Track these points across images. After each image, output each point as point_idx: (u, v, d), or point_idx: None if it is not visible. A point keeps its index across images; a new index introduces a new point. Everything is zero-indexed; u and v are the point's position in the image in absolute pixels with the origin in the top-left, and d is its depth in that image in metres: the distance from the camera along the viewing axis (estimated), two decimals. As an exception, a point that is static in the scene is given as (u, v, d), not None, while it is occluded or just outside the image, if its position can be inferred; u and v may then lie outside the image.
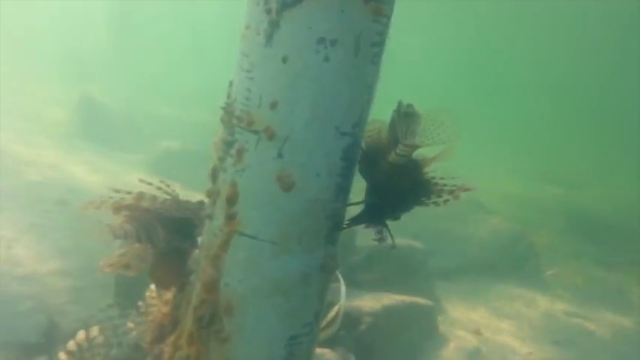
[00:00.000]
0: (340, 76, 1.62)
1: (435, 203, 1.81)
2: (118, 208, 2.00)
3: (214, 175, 1.85)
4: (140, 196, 2.06)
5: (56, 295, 4.63)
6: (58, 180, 7.79)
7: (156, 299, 2.38)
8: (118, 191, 2.09)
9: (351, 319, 3.75)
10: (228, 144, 1.77)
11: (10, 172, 7.45)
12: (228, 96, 1.81)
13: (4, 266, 4.80)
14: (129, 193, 2.10)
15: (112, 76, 17.07)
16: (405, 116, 1.78)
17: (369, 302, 3.91)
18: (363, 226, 1.89)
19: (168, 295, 2.26)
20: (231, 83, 1.84)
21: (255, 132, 1.69)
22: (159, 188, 2.18)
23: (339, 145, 1.70)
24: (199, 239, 2.04)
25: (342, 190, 1.79)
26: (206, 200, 1.92)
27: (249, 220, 1.73)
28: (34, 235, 5.66)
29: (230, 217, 1.76)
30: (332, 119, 1.66)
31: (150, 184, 2.18)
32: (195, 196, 7.36)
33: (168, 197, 2.18)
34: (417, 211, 1.85)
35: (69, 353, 2.28)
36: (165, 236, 2.02)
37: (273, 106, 1.65)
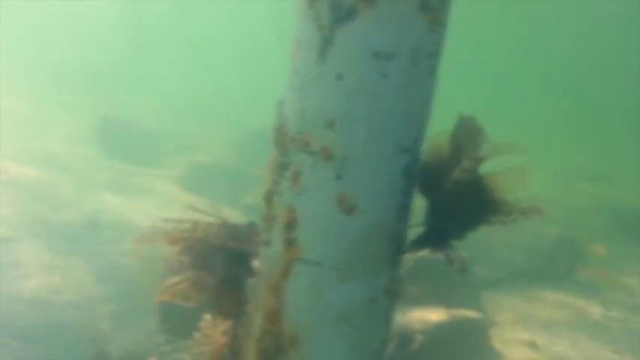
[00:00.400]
0: (398, 91, 1.54)
1: (502, 222, 1.71)
2: (174, 241, 1.95)
3: (269, 199, 1.78)
4: (194, 226, 2.00)
5: (98, 321, 4.62)
6: (86, 202, 7.83)
7: (212, 329, 2.32)
8: (168, 220, 2.04)
9: (402, 337, 3.64)
10: (282, 166, 1.70)
11: (36, 196, 7.50)
12: (280, 116, 1.74)
13: (44, 294, 4.81)
14: (180, 222, 2.05)
15: (128, 91, 17.21)
16: (468, 130, 1.69)
17: (420, 318, 3.79)
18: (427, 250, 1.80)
19: (226, 324, 2.19)
20: (281, 103, 1.77)
21: (312, 153, 1.62)
22: (208, 213, 2.13)
23: (399, 162, 1.62)
24: (255, 264, 1.98)
25: (404, 210, 1.70)
26: (261, 225, 1.85)
27: (310, 245, 1.66)
28: (69, 261, 5.68)
29: (289, 243, 1.69)
30: (391, 136, 1.58)
31: (196, 209, 2.13)
32: (226, 211, 7.40)
33: (218, 221, 2.12)
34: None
35: None
36: (223, 265, 1.96)
37: (330, 125, 1.57)
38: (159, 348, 3.54)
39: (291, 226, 1.68)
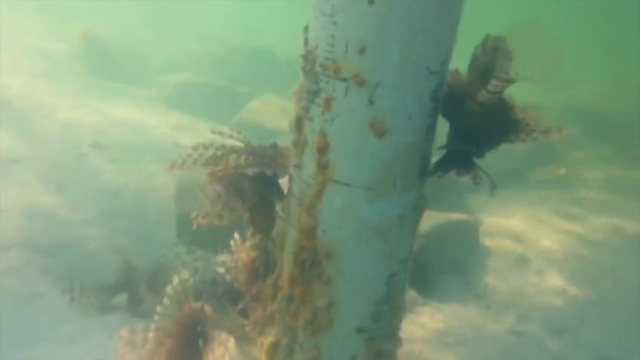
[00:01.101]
0: (429, 14, 1.55)
1: (523, 141, 1.78)
2: (212, 174, 2.02)
3: (299, 125, 1.84)
4: (224, 153, 2.07)
5: (116, 235, 4.81)
6: (82, 122, 7.77)
7: (241, 245, 2.47)
8: (195, 148, 2.10)
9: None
10: (312, 93, 1.74)
11: (31, 117, 7.43)
12: (306, 42, 1.75)
13: (60, 211, 4.95)
14: (206, 148, 2.11)
15: (108, 11, 16.41)
16: (493, 51, 1.71)
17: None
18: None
19: (255, 240, 2.34)
20: (306, 28, 1.77)
21: (344, 80, 1.65)
22: (230, 136, 2.18)
23: (429, 85, 1.66)
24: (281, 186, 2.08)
25: (431, 130, 1.77)
26: (292, 149, 1.92)
27: (343, 167, 1.74)
28: (81, 180, 5.78)
29: (322, 166, 1.77)
30: (423, 59, 1.61)
31: (221, 133, 2.18)
32: (220, 129, 7.45)
33: (243, 145, 2.18)
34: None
35: (170, 297, 2.41)
36: (252, 189, 2.05)
37: (362, 51, 1.60)
38: (181, 257, 3.74)
39: (323, 150, 1.75)
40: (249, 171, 1.93)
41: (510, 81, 1.68)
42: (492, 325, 3.82)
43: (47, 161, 6.02)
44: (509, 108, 1.76)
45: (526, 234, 5.75)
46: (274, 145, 2.18)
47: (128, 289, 3.47)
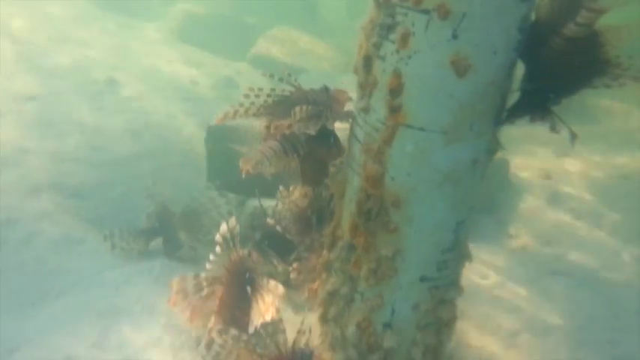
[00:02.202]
0: None
1: (607, 86, 1.60)
2: (273, 128, 1.89)
3: (367, 65, 1.69)
4: (277, 101, 1.93)
5: (141, 177, 4.74)
6: (94, 57, 7.51)
7: (288, 197, 2.38)
8: (247, 96, 1.95)
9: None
10: (386, 28, 1.58)
11: (40, 53, 7.18)
12: (381, -30, 1.56)
13: (84, 152, 4.85)
14: (257, 95, 1.97)
15: None
16: None
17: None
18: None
19: (306, 189, 2.24)
20: (380, -46, 1.58)
21: (425, 12, 1.48)
22: (281, 79, 2.03)
23: (517, 14, 1.49)
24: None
25: (513, 67, 1.62)
26: (357, 91, 1.78)
27: (417, 111, 1.61)
28: (99, 119, 5.64)
29: (394, 110, 1.64)
30: (515, -14, 1.43)
31: (272, 76, 2.03)
32: (233, 65, 7.17)
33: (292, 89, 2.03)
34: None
35: (220, 244, 2.35)
36: (308, 142, 1.92)
37: (449, -22, 1.41)
38: (213, 201, 3.67)
39: (396, 91, 1.61)
40: (311, 126, 1.78)
41: (603, 11, 1.48)
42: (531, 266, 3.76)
43: (65, 99, 5.86)
44: (599, 44, 1.57)
45: (554, 171, 5.61)
46: (326, 89, 2.02)
47: (164, 233, 3.42)
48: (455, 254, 1.86)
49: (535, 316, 3.07)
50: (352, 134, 1.86)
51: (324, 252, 2.06)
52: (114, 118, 5.73)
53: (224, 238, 2.38)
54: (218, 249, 2.31)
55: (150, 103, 6.43)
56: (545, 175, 5.41)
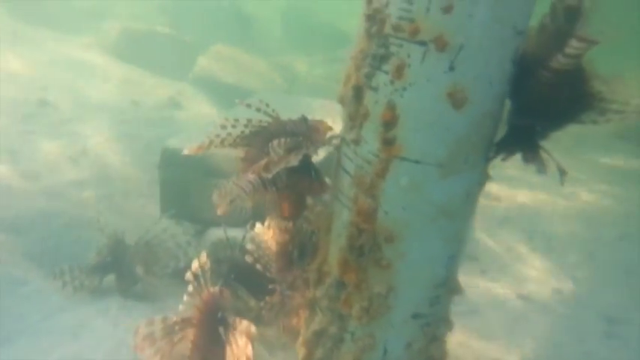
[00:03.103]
0: (531, -34, 1.35)
1: (594, 122, 1.59)
2: (245, 159, 1.78)
3: (358, 95, 1.62)
4: (254, 132, 1.82)
5: (84, 207, 4.42)
6: (22, 75, 7.01)
7: (267, 232, 2.26)
8: (224, 126, 1.83)
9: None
10: (379, 59, 1.52)
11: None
12: (373, 0, 1.51)
13: (19, 182, 4.46)
14: (234, 126, 1.85)
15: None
16: (568, 11, 1.50)
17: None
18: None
19: (286, 224, 2.13)
20: (372, -17, 1.52)
21: (422, 43, 1.44)
22: (258, 110, 1.92)
23: (513, 45, 1.48)
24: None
25: (505, 98, 1.60)
26: (346, 123, 1.70)
27: (412, 143, 1.55)
28: (32, 144, 5.24)
29: (388, 142, 1.57)
30: (511, 17, 1.42)
31: (248, 105, 1.92)
32: (174, 85, 6.95)
33: (269, 119, 1.93)
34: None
35: (192, 283, 2.19)
36: (287, 176, 1.82)
37: (447, 9, 1.38)
38: (169, 232, 3.46)
39: (390, 123, 1.55)
40: (293, 158, 1.68)
41: (593, 42, 1.46)
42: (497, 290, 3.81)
43: (-6, 126, 5.42)
44: (586, 78, 1.57)
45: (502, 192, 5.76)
46: (304, 119, 1.93)
47: (117, 268, 3.18)
48: (446, 289, 1.81)
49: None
50: (339, 166, 1.78)
51: (310, 289, 1.96)
52: (48, 143, 5.36)
53: (195, 275, 2.23)
54: (190, 288, 2.15)
55: (87, 125, 6.06)
56: (494, 198, 5.52)
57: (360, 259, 1.73)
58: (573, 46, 1.49)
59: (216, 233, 3.39)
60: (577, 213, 5.04)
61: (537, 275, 3.93)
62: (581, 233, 4.64)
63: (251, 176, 1.81)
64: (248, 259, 2.27)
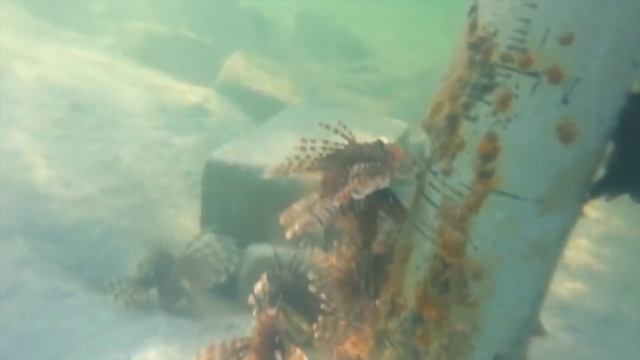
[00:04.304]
0: (657, -4, 1.27)
1: None
2: (324, 183, 1.71)
3: (452, 125, 1.54)
4: (332, 155, 1.76)
5: (118, 215, 4.38)
6: (49, 77, 7.00)
7: (328, 259, 2.18)
8: (303, 148, 1.77)
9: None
10: (481, 88, 1.45)
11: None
12: (475, 26, 1.44)
13: (55, 189, 4.43)
14: (312, 148, 1.78)
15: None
16: None
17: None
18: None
19: (352, 251, 2.06)
20: (474, 9, 1.45)
21: (534, 74, 1.36)
22: (336, 131, 1.86)
23: (628, 81, 1.40)
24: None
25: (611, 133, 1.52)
26: (434, 151, 1.63)
27: (512, 177, 1.47)
28: (66, 150, 5.22)
29: (485, 175, 1.50)
30: (632, 51, 1.34)
31: (327, 127, 1.85)
32: (199, 91, 6.85)
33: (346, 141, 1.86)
34: None
35: (254, 306, 2.12)
36: (366, 202, 1.76)
37: (567, 41, 1.30)
38: (211, 247, 3.40)
39: (490, 155, 1.47)
40: (382, 181, 1.61)
41: None
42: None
43: (26, 127, 5.40)
44: None
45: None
46: (380, 144, 1.86)
47: (161, 283, 3.12)
48: (529, 329, 1.73)
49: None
50: (422, 195, 1.70)
51: (380, 321, 1.88)
52: (83, 148, 5.34)
53: (257, 298, 2.16)
54: (255, 312, 2.09)
55: (118, 132, 6.03)
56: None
57: (444, 294, 1.65)
58: None
59: (259, 249, 3.32)
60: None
61: None
62: None
63: (328, 202, 1.74)
64: (312, 288, 2.19)
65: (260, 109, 7.69)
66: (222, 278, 3.25)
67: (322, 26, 13.04)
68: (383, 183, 1.62)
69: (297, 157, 1.78)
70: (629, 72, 1.38)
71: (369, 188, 1.61)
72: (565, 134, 1.40)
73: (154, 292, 3.08)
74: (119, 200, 4.65)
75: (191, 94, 8.17)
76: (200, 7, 11.38)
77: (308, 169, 1.80)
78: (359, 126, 4.29)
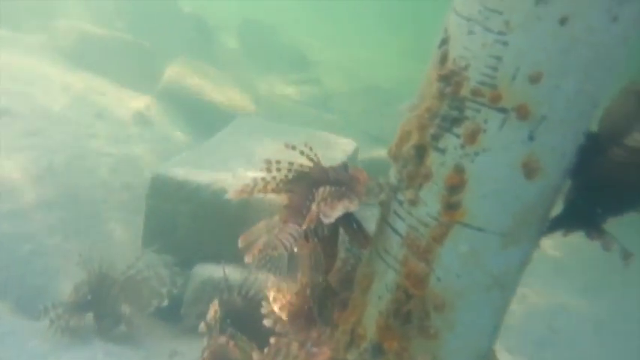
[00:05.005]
0: (622, 40, 1.32)
1: None
2: (289, 207, 1.65)
3: (420, 155, 1.53)
4: (297, 177, 1.70)
5: (51, 231, 4.10)
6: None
7: (284, 291, 2.11)
8: (268, 169, 1.70)
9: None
10: (450, 121, 1.44)
11: None
12: (446, 59, 1.44)
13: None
14: (278, 169, 1.72)
15: None
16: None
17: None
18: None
19: (303, 280, 2.00)
20: (445, 41, 1.45)
21: (503, 110, 1.37)
22: (301, 152, 1.80)
23: (589, 120, 1.44)
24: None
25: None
26: (400, 181, 1.60)
27: (478, 210, 1.48)
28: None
29: (451, 207, 1.49)
30: (596, 93, 1.38)
31: (293, 148, 1.79)
32: (140, 98, 6.54)
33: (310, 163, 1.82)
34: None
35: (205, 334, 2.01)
36: (330, 227, 1.71)
37: (535, 79, 1.32)
38: (154, 269, 3.23)
39: (457, 188, 1.47)
40: (351, 204, 1.58)
41: None
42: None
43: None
44: None
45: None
46: (345, 167, 1.83)
47: (98, 307, 2.91)
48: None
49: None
50: (386, 224, 1.68)
51: (340, 351, 1.83)
52: (10, 158, 4.96)
53: (208, 326, 2.06)
54: (205, 340, 1.98)
55: (51, 140, 5.66)
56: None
57: (406, 325, 1.63)
58: None
59: (206, 270, 3.19)
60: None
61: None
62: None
63: (292, 227, 1.68)
64: (267, 323, 2.10)
65: (204, 118, 7.50)
66: (165, 302, 3.09)
67: (266, 36, 12.94)
68: (352, 206, 1.59)
69: (262, 179, 1.70)
70: (590, 112, 1.42)
71: (338, 211, 1.57)
72: (530, 170, 1.42)
73: (90, 317, 2.88)
74: (52, 215, 4.35)
75: (130, 100, 7.82)
76: (138, 9, 10.91)
77: (272, 190, 1.73)
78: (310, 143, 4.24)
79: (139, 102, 7.78)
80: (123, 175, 5.47)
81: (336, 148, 4.33)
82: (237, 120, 5.46)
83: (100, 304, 2.88)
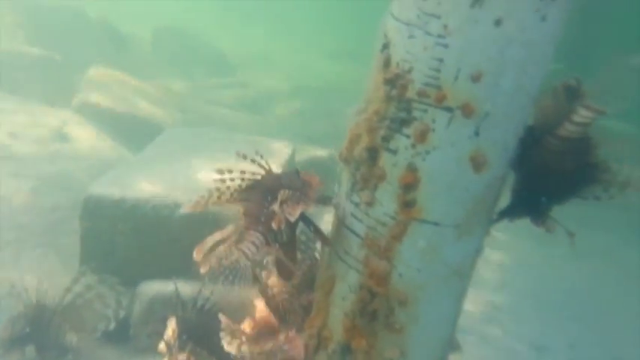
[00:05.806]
0: (552, 38, 1.41)
1: (597, 198, 1.60)
2: (247, 215, 1.64)
3: (372, 157, 1.57)
4: (250, 186, 1.69)
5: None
6: None
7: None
8: (222, 180, 1.67)
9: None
10: (399, 122, 1.49)
11: None
12: (390, 63, 1.48)
13: None
14: (232, 179, 1.70)
15: None
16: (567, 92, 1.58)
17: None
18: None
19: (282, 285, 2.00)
20: (386, 46, 1.50)
21: (449, 109, 1.44)
22: (253, 161, 1.79)
23: (528, 113, 1.54)
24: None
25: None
26: (355, 183, 1.64)
27: (433, 205, 1.54)
28: None
29: (407, 205, 1.54)
30: (532, 88, 1.47)
31: (244, 157, 1.77)
32: (55, 113, 6.28)
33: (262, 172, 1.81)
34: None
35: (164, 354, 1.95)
36: (289, 230, 1.72)
37: (476, 78, 1.40)
38: (95, 290, 3.08)
39: (411, 186, 1.52)
40: (307, 204, 1.59)
41: (601, 112, 1.48)
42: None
43: None
44: (592, 146, 1.56)
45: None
46: (297, 173, 1.84)
47: (39, 339, 2.74)
48: (450, 348, 1.82)
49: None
50: (343, 226, 1.71)
51: (308, 356, 1.84)
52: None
53: (167, 344, 2.00)
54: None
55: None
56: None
57: (372, 323, 1.67)
58: (582, 114, 1.50)
59: (153, 287, 3.09)
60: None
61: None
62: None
63: (254, 235, 1.67)
64: (229, 348, 2.05)
65: (128, 130, 7.22)
66: (112, 325, 2.96)
67: (182, 42, 12.63)
68: (308, 207, 1.60)
69: (217, 189, 1.68)
70: (529, 106, 1.51)
71: (300, 209, 1.58)
72: (477, 164, 1.49)
73: (32, 350, 2.70)
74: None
75: (45, 117, 7.36)
76: (41, 20, 10.30)
77: (227, 201, 1.71)
78: (246, 149, 4.21)
79: (55, 118, 7.35)
80: (47, 197, 5.16)
81: (274, 152, 4.32)
82: (167, 132, 5.30)
83: (41, 336, 2.71)
